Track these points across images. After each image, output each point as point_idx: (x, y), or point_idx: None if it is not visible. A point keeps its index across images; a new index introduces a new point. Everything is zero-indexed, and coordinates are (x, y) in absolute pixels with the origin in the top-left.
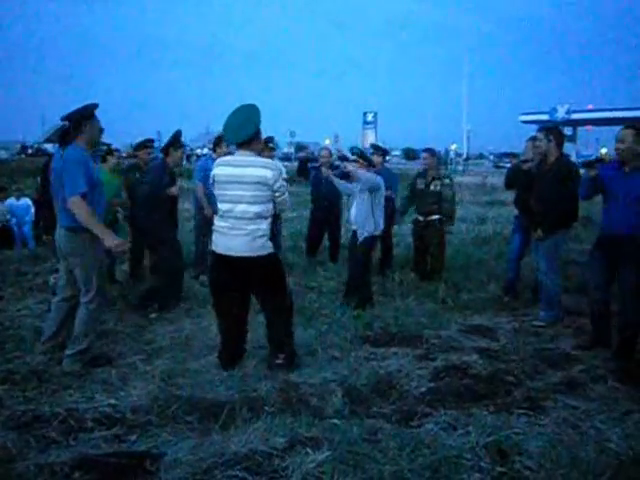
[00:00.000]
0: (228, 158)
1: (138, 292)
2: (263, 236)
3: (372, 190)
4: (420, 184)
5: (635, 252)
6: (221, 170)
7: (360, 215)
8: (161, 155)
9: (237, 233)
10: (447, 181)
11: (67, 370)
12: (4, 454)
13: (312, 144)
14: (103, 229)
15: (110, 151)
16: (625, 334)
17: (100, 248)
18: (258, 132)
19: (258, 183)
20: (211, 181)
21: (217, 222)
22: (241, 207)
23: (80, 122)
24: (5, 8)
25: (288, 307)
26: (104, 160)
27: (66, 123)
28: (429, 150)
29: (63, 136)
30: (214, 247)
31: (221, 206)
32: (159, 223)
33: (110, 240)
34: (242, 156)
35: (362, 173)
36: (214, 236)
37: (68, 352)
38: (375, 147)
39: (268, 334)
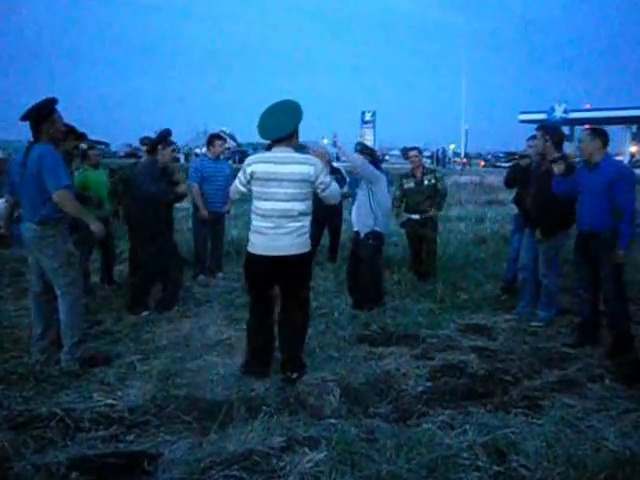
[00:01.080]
0: (266, 155)
1: (126, 298)
2: (305, 233)
3: (370, 182)
4: (408, 183)
5: (604, 249)
6: (260, 167)
7: (360, 213)
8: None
9: (281, 232)
10: (439, 174)
11: (66, 368)
12: (1, 454)
13: (311, 143)
14: (89, 215)
15: (90, 147)
16: (615, 334)
17: (68, 240)
18: (296, 130)
19: (300, 180)
20: (247, 178)
21: (257, 222)
22: (283, 205)
23: (39, 121)
24: (5, 7)
25: (307, 314)
26: (86, 156)
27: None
28: (416, 148)
29: (36, 134)
30: (252, 248)
31: (260, 204)
32: (152, 222)
33: (96, 225)
34: (280, 152)
35: (357, 157)
36: (252, 237)
37: (64, 350)
38: (363, 146)
39: (281, 336)
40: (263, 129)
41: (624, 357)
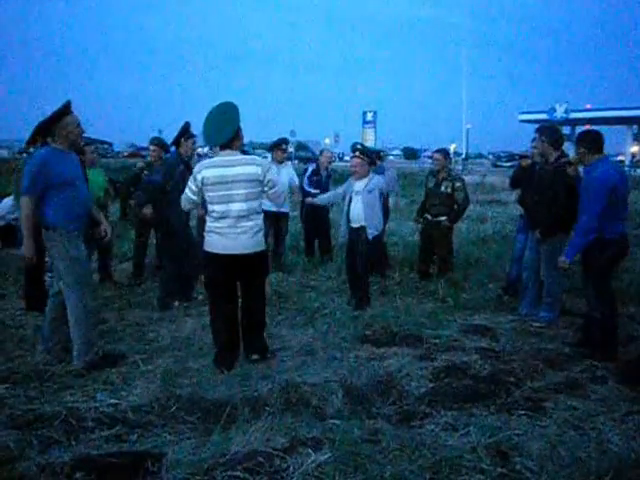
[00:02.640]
0: (214, 160)
1: (157, 295)
2: (259, 231)
3: (384, 190)
4: (430, 182)
5: (586, 253)
6: (210, 172)
7: (369, 212)
8: (173, 149)
9: (236, 232)
10: (458, 184)
11: (76, 369)
12: (6, 454)
13: (312, 143)
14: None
15: (86, 143)
16: (602, 334)
17: (81, 245)
18: (238, 131)
19: (249, 180)
20: (198, 185)
21: (211, 223)
22: (236, 206)
23: (49, 127)
24: (8, 7)
25: (264, 300)
26: (82, 153)
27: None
28: (441, 151)
29: (34, 135)
30: (210, 248)
31: (214, 207)
32: (173, 215)
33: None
34: (227, 156)
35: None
36: (209, 237)
37: (74, 352)
38: (362, 147)
39: (243, 322)
40: (206, 137)
41: (610, 358)
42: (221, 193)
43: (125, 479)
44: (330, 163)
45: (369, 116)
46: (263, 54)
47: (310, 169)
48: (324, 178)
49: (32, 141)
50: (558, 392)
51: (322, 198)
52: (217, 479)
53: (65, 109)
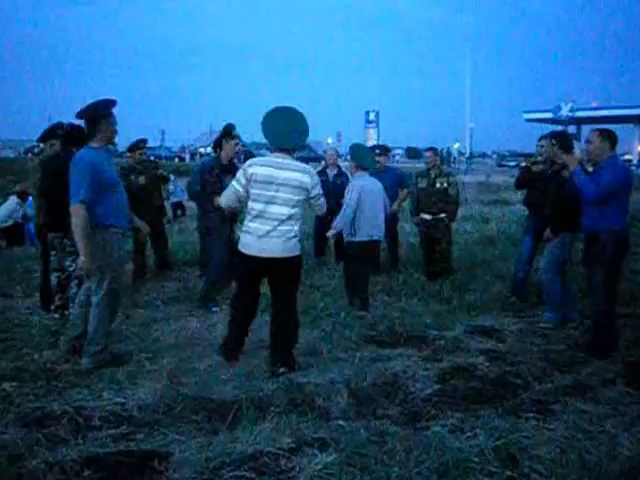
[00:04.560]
0: (267, 158)
1: (199, 293)
2: (295, 237)
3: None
4: (422, 183)
5: (595, 249)
6: (261, 170)
7: (341, 216)
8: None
9: (272, 235)
10: (452, 179)
11: (82, 368)
12: (14, 451)
13: (314, 143)
14: (85, 246)
15: None
16: (607, 334)
17: (118, 251)
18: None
19: (297, 187)
20: (248, 179)
21: (250, 223)
22: (275, 208)
23: (95, 120)
24: (12, 8)
25: (296, 313)
26: None
27: (61, 122)
28: (432, 149)
29: (44, 135)
30: (244, 249)
31: (254, 205)
32: (214, 218)
33: (86, 260)
34: (281, 158)
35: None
36: (244, 238)
37: (86, 352)
38: (377, 147)
39: (274, 337)
40: (275, 137)
41: (602, 356)
42: (265, 192)
43: (132, 478)
44: (335, 161)
45: (371, 116)
46: (263, 54)
47: (316, 170)
48: (331, 178)
49: (49, 137)
50: (566, 395)
51: (337, 222)
52: (223, 479)
53: (111, 105)
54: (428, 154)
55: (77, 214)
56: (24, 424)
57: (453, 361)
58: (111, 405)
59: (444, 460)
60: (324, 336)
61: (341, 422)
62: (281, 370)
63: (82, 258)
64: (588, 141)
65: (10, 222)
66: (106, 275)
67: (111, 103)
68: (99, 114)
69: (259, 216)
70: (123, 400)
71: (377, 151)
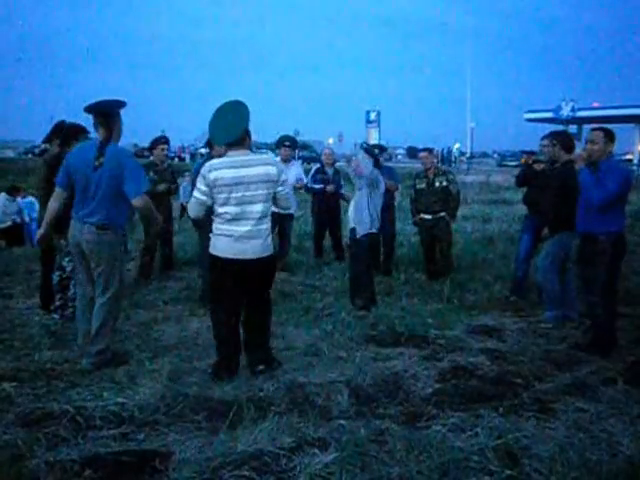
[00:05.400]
0: (225, 160)
1: (198, 293)
2: (269, 235)
3: (371, 185)
4: (420, 184)
5: (595, 251)
6: (223, 173)
7: (357, 212)
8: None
9: (251, 235)
10: (451, 177)
11: (82, 367)
12: (14, 451)
13: (316, 142)
14: (158, 219)
15: None
16: (595, 332)
17: (122, 251)
18: (248, 130)
19: (266, 181)
20: (210, 185)
21: (222, 226)
22: (251, 208)
23: (113, 116)
24: (13, 8)
25: (271, 310)
26: None
27: (63, 120)
28: (427, 149)
29: (50, 136)
30: (221, 253)
31: (227, 209)
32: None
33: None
34: (238, 156)
35: (366, 165)
36: (220, 241)
37: (88, 352)
38: (374, 146)
39: (250, 338)
40: (214, 135)
41: (603, 354)
42: (239, 194)
43: (133, 477)
44: (332, 161)
45: (372, 115)
46: (264, 54)
47: (314, 169)
48: (331, 176)
49: (53, 137)
50: (567, 394)
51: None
52: (224, 478)
53: (121, 106)
54: (423, 155)
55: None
56: (24, 424)
57: (453, 360)
58: (112, 405)
59: (444, 459)
60: (324, 336)
61: (342, 421)
62: (260, 368)
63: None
64: (592, 141)
65: (9, 222)
66: (114, 276)
67: (122, 103)
68: (116, 111)
69: (235, 218)
70: (124, 400)
71: (376, 151)
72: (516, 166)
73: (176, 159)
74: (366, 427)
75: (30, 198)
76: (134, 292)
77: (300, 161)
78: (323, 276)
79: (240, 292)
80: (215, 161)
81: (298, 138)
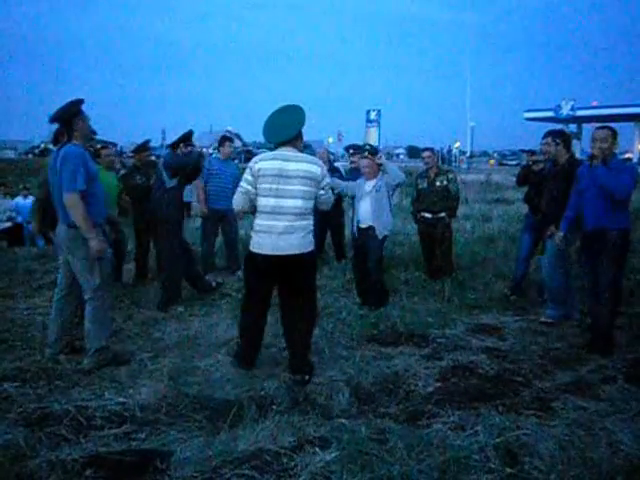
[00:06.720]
0: (274, 152)
1: (159, 299)
2: (311, 232)
3: (395, 186)
4: (422, 184)
5: (605, 247)
6: (267, 164)
7: (378, 212)
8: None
9: (289, 230)
10: (451, 176)
11: (84, 367)
12: (16, 451)
13: (315, 142)
14: (91, 229)
15: (103, 147)
16: (596, 330)
17: (103, 244)
18: (300, 132)
19: (307, 178)
20: (255, 175)
21: (263, 221)
22: (290, 202)
23: (70, 121)
24: (13, 8)
25: (315, 313)
26: (98, 156)
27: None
28: (429, 149)
29: (56, 136)
30: (257, 249)
31: (266, 201)
32: (172, 216)
33: (95, 242)
34: (286, 151)
35: (393, 167)
36: (258, 236)
37: (87, 352)
38: (357, 147)
39: (290, 342)
40: (268, 132)
41: (604, 352)
42: (276, 186)
43: (134, 477)
44: (328, 161)
45: (372, 115)
46: (264, 53)
47: None
48: (330, 174)
49: (57, 134)
50: (567, 392)
51: (339, 182)
52: (225, 477)
53: (79, 104)
54: (426, 154)
55: (75, 203)
56: (26, 424)
57: (454, 359)
58: (113, 404)
59: (445, 458)
60: (325, 335)
61: (342, 420)
62: (298, 377)
63: (92, 243)
64: (600, 139)
65: (8, 222)
66: (91, 273)
67: (79, 102)
68: (70, 114)
69: (272, 211)
70: (125, 399)
71: (367, 147)
72: (516, 165)
73: None
74: (367, 426)
75: (31, 198)
76: (134, 292)
77: None
78: (323, 275)
79: (272, 288)
80: (263, 154)
81: None
